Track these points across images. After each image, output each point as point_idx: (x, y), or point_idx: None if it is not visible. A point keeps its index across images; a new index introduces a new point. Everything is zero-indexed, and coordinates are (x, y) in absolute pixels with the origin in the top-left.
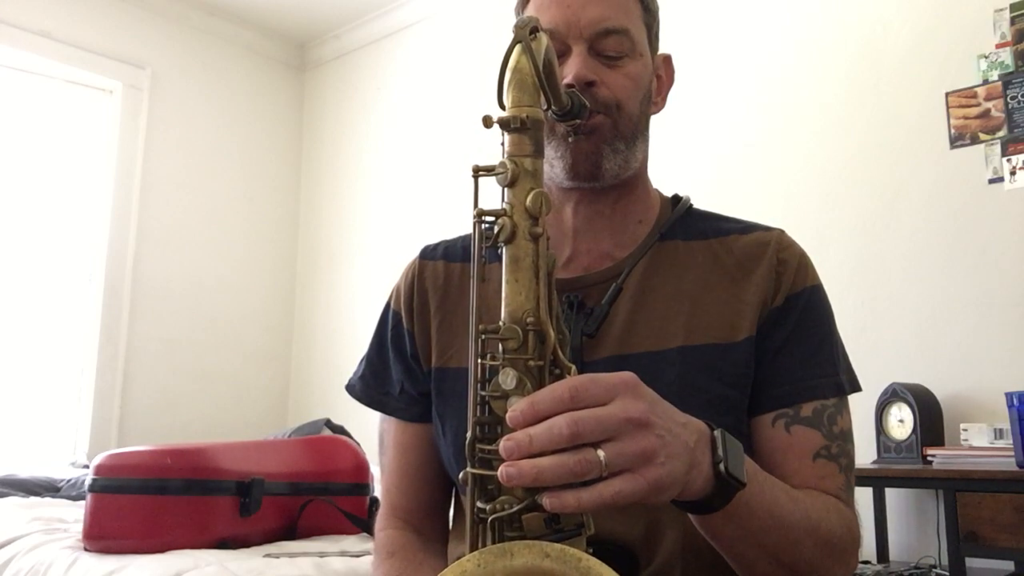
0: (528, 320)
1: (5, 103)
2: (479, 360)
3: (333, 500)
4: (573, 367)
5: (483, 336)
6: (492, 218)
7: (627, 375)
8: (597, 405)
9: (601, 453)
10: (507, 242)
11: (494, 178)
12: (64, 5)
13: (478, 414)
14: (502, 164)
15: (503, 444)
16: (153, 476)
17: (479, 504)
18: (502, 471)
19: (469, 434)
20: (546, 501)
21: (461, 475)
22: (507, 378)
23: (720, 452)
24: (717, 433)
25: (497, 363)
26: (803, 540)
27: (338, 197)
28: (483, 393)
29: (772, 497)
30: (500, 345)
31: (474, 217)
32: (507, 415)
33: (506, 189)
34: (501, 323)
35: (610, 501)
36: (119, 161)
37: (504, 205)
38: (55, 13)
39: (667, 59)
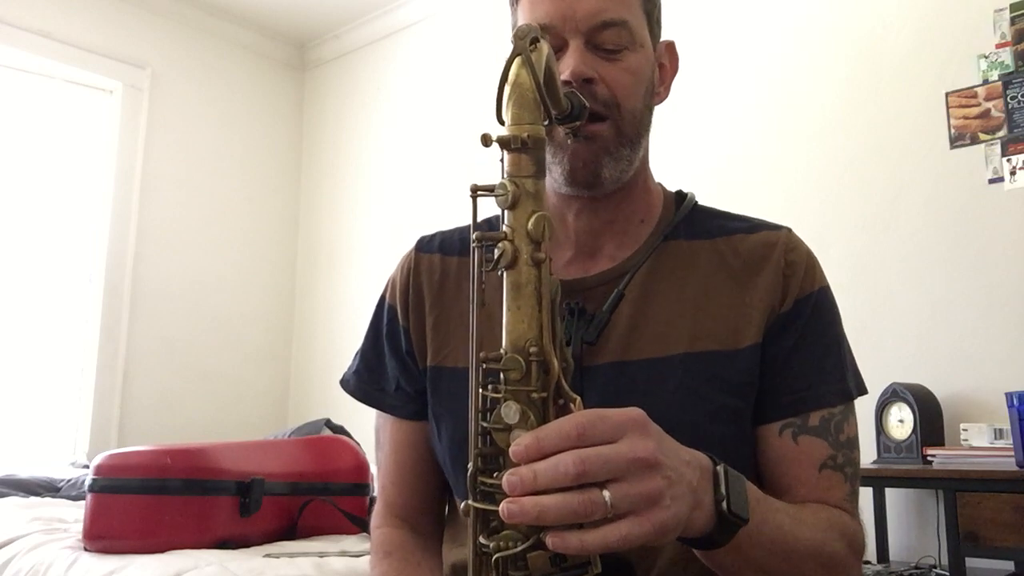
0: (531, 350)
1: (5, 103)
2: (480, 390)
3: (333, 500)
4: (578, 398)
5: (484, 365)
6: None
7: (635, 412)
8: (604, 443)
9: (607, 494)
10: (508, 268)
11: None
12: (64, 5)
13: (479, 445)
14: (502, 185)
15: (506, 478)
16: (153, 476)
17: (481, 540)
18: (504, 507)
19: (471, 466)
20: (549, 541)
21: (462, 507)
22: (510, 411)
23: (722, 490)
24: (720, 469)
25: (499, 395)
26: (806, 562)
27: (338, 197)
28: (485, 424)
29: (775, 524)
30: (502, 375)
31: (473, 241)
32: (511, 450)
33: (507, 211)
34: (503, 352)
35: (614, 545)
36: (119, 161)
37: (505, 228)
38: (55, 13)
39: (670, 46)
